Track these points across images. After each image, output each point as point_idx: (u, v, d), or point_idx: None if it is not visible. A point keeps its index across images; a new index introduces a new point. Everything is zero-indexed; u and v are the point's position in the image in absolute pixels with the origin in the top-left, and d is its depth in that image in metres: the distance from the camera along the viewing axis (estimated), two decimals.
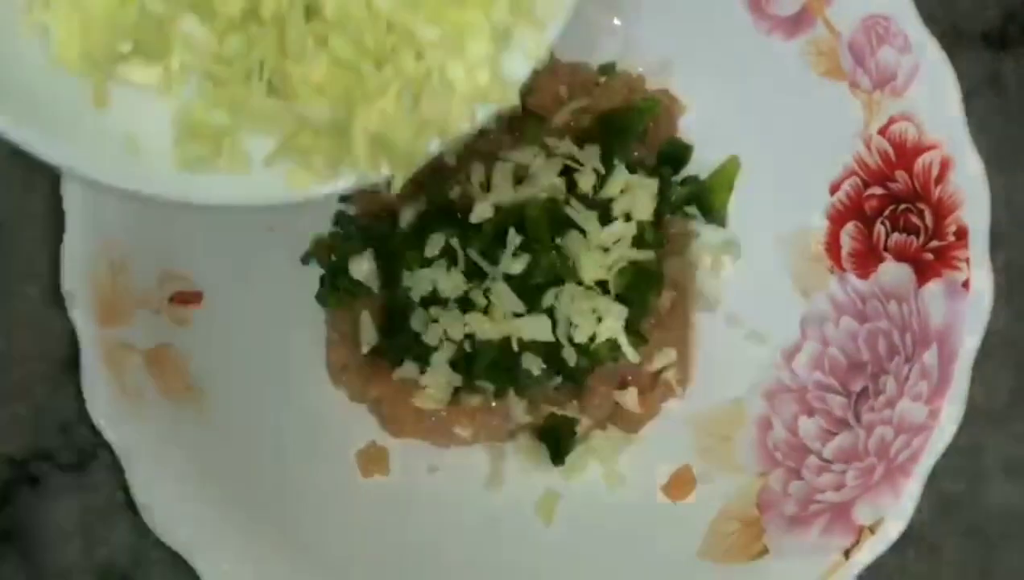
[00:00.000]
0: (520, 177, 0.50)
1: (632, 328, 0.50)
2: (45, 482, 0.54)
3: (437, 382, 0.50)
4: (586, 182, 0.50)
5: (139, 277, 0.49)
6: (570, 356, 0.50)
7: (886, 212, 0.50)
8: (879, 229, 0.50)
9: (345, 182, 0.37)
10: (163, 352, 0.49)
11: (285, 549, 0.49)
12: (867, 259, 0.50)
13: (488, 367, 0.50)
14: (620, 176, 0.50)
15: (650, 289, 0.50)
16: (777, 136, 0.52)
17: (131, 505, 0.48)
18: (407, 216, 0.50)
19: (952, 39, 0.55)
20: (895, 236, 0.50)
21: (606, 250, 0.50)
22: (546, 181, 0.50)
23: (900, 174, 0.49)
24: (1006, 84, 0.56)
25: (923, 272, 0.49)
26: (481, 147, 0.50)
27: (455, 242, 0.49)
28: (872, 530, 0.47)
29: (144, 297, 0.49)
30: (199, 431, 0.49)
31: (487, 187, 0.50)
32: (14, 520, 0.54)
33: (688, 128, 0.54)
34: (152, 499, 0.47)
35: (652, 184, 0.51)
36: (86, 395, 0.47)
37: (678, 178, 0.53)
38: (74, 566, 0.53)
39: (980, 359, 0.48)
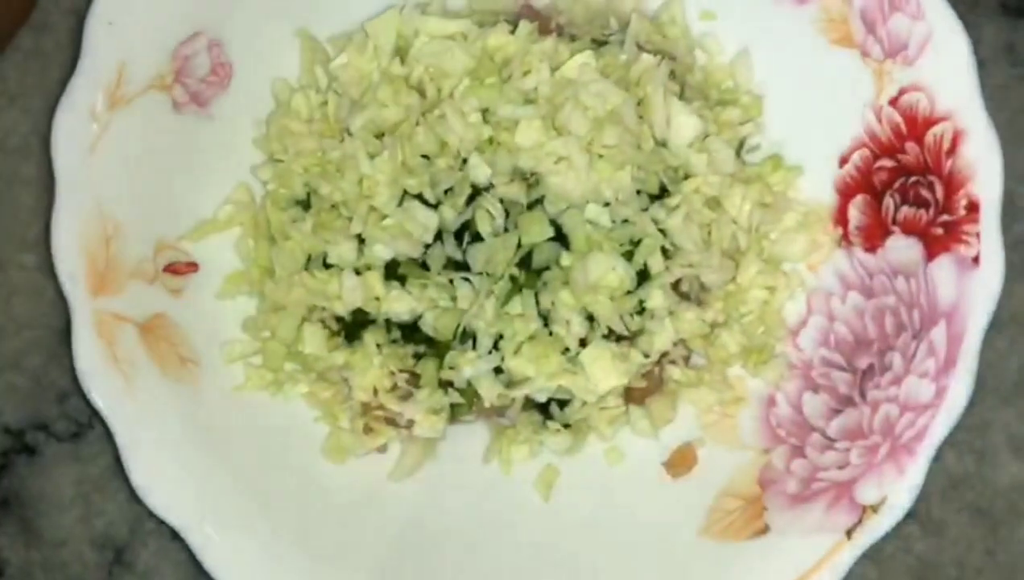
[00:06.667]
0: None
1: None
2: (42, 452, 0.54)
3: None
4: None
5: (133, 246, 0.49)
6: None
7: (895, 185, 0.49)
8: (888, 202, 0.49)
9: None
10: (157, 323, 0.49)
11: (278, 523, 0.48)
12: (875, 233, 0.49)
13: None
14: None
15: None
16: (786, 105, 0.51)
17: (127, 476, 0.47)
18: None
19: (968, 6, 0.54)
20: (904, 209, 0.49)
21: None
22: None
23: (911, 146, 0.48)
24: (1023, 53, 0.55)
25: (932, 247, 0.48)
26: None
27: None
28: (875, 510, 0.47)
29: (138, 267, 0.49)
30: (192, 403, 0.49)
31: None
32: (11, 490, 0.54)
33: None
34: (144, 471, 0.47)
35: None
36: (78, 368, 0.47)
37: None
38: (71, 536, 0.53)
39: (990, 335, 0.47)
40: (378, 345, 0.49)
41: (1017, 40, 0.55)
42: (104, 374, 0.47)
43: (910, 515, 0.47)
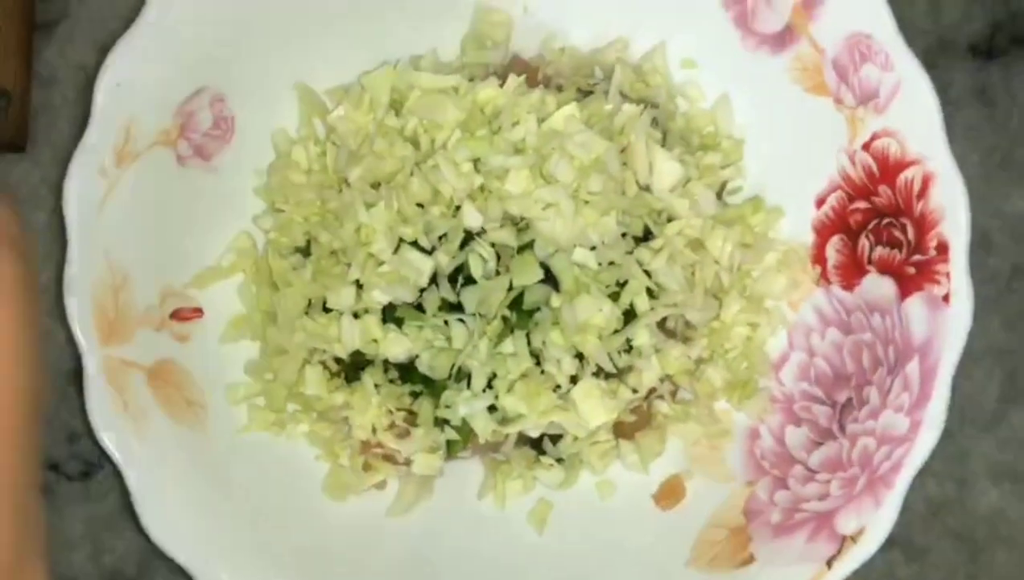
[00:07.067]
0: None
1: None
2: (52, 491, 0.54)
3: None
4: None
5: (141, 295, 0.50)
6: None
7: (870, 226, 0.50)
8: (863, 242, 0.51)
9: None
10: (164, 368, 0.50)
11: (282, 559, 0.50)
12: (852, 271, 0.51)
13: None
14: None
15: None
16: (765, 150, 0.53)
17: (138, 518, 0.49)
18: None
19: (939, 50, 0.56)
20: (879, 249, 0.50)
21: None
22: None
23: (883, 189, 0.50)
24: (993, 95, 0.56)
25: (906, 285, 0.49)
26: None
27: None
28: (854, 540, 0.48)
29: (146, 314, 0.50)
30: (199, 444, 0.50)
31: None
32: None
33: None
34: (154, 513, 0.48)
35: None
36: (90, 415, 0.48)
37: None
38: (81, 573, 0.54)
39: (968, 365, 0.49)
40: (376, 385, 0.50)
41: (987, 82, 0.56)
42: (115, 420, 0.48)
43: (893, 541, 0.48)
